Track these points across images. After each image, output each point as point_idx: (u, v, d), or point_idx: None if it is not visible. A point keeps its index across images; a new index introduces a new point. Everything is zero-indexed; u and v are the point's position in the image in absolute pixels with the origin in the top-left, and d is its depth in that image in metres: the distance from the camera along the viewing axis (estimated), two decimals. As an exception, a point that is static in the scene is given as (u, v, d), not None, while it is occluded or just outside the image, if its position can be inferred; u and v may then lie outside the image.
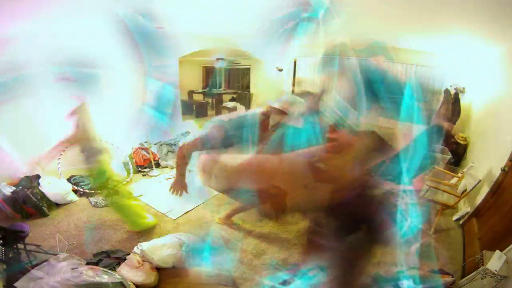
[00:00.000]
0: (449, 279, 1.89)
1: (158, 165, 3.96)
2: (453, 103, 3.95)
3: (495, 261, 1.57)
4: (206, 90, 7.61)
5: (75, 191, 3.14)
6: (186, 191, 2.03)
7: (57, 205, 2.90)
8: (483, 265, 1.66)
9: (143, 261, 2.05)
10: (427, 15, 2.17)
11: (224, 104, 6.92)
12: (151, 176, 3.70)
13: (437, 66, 4.13)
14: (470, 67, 3.83)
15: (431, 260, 2.30)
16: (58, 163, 3.21)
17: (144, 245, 2.14)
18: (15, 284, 1.69)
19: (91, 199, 3.07)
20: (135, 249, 2.14)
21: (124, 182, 3.47)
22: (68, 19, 2.68)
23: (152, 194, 3.25)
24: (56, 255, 1.98)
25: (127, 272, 1.94)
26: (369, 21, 2.67)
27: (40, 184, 2.84)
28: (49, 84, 2.98)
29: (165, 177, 3.70)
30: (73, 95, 2.43)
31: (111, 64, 3.53)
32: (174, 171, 3.83)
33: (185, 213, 2.90)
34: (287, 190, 1.55)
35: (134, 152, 3.92)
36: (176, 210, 2.93)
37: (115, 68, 3.57)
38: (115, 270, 1.96)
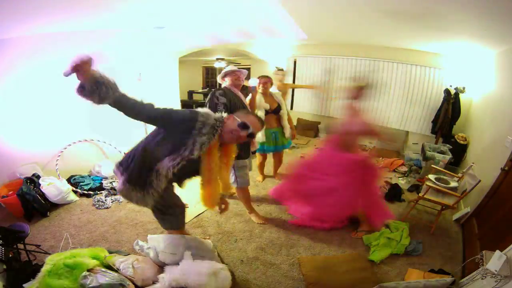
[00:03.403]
0: (449, 279, 1.89)
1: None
2: (453, 103, 3.95)
3: (495, 261, 1.56)
4: (206, 90, 7.60)
5: (75, 191, 3.14)
6: None
7: (57, 205, 2.90)
8: (483, 265, 1.66)
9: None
10: (427, 15, 2.17)
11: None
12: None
13: (437, 66, 4.12)
14: (470, 67, 3.82)
15: (431, 260, 2.31)
16: (56, 164, 3.20)
17: (151, 236, 2.20)
18: (24, 285, 1.71)
19: (91, 199, 3.07)
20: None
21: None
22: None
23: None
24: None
25: (127, 272, 1.93)
26: (369, 21, 2.68)
27: (40, 184, 2.83)
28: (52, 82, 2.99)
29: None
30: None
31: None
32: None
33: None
34: None
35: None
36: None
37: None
38: (115, 270, 1.96)
